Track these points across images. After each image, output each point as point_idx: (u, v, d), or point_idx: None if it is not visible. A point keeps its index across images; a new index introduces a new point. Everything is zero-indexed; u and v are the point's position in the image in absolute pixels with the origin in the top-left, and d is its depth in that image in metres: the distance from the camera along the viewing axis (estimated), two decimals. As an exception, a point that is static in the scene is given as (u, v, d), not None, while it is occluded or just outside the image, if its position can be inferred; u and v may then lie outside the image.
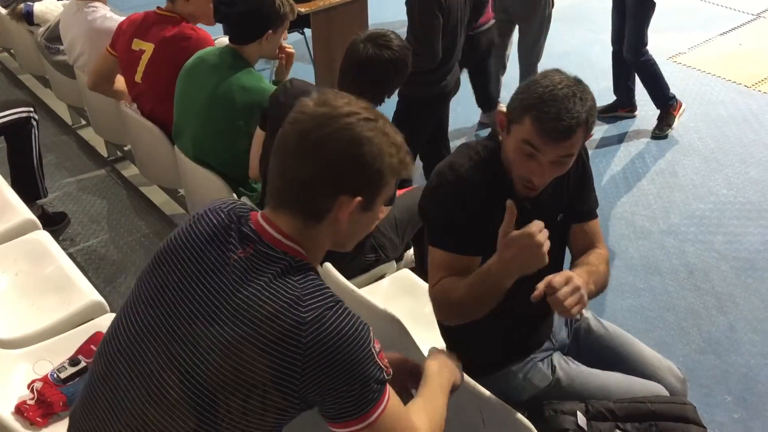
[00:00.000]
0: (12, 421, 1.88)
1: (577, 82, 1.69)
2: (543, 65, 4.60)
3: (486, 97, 4.54)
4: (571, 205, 1.94)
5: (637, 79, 4.67)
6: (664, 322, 3.20)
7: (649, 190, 4.14)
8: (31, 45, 4.43)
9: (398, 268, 2.79)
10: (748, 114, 4.87)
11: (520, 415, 1.81)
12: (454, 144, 4.07)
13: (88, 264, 3.26)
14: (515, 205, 1.70)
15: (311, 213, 1.28)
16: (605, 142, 4.62)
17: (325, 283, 1.28)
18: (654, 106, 4.66)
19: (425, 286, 2.35)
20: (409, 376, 1.57)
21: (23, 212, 2.66)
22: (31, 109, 3.27)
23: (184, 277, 1.27)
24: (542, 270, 1.61)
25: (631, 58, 4.43)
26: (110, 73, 3.33)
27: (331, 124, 1.25)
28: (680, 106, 4.64)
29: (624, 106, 4.79)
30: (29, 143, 3.29)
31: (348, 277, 2.34)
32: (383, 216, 1.40)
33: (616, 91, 4.78)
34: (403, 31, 3.10)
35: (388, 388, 1.28)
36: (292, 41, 3.15)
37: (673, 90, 4.66)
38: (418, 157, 3.70)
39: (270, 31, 2.77)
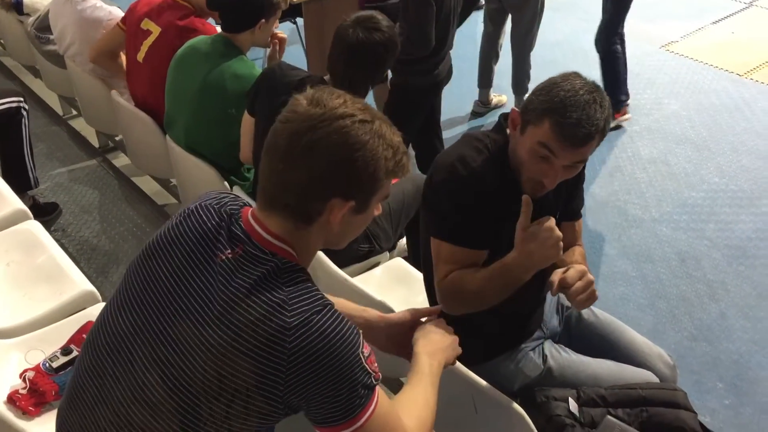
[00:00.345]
0: (4, 411, 1.88)
1: (597, 88, 1.68)
2: (536, 54, 4.60)
3: None
4: (565, 204, 1.96)
5: (631, 69, 4.67)
6: (656, 310, 3.22)
7: (641, 179, 4.15)
8: (21, 35, 4.40)
9: (391, 257, 2.79)
10: (741, 102, 4.88)
11: (512, 402, 1.82)
12: (446, 133, 4.07)
13: (79, 254, 3.25)
14: (518, 199, 1.71)
15: (302, 215, 1.24)
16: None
17: (314, 286, 1.25)
18: (647, 94, 4.66)
19: (418, 274, 2.37)
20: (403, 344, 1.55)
21: (14, 202, 2.65)
22: (21, 99, 3.25)
23: (172, 275, 1.25)
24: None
25: (601, 44, 4.41)
26: (117, 48, 3.34)
27: (324, 127, 1.20)
28: (625, 113, 4.58)
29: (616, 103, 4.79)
30: (19, 133, 3.27)
31: (341, 266, 2.34)
32: (378, 213, 1.36)
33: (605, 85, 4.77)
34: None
35: (377, 391, 1.25)
36: (283, 31, 3.12)
37: (665, 78, 4.67)
38: (410, 147, 3.70)
39: (263, 21, 2.76)
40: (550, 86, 1.67)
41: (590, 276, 1.65)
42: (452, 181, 1.77)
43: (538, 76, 4.58)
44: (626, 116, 4.60)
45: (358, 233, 1.38)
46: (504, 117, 1.84)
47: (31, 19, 4.07)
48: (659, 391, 1.87)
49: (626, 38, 4.50)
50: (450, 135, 4.41)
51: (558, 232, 1.60)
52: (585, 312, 2.14)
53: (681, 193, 4.01)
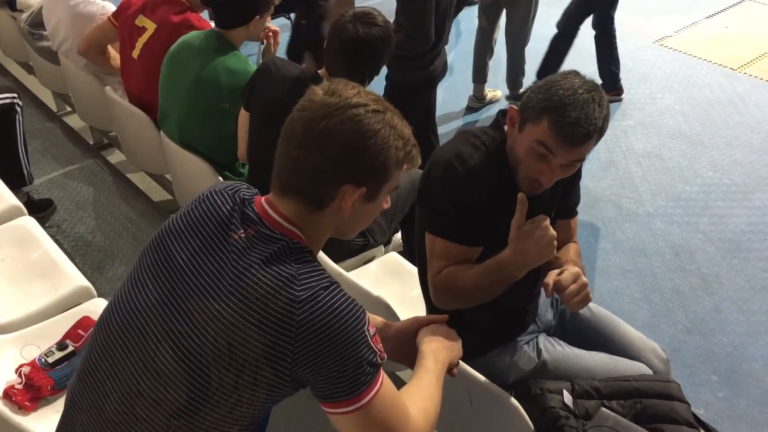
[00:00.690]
0: (0, 406, 1.88)
1: (596, 86, 1.68)
2: (530, 49, 4.61)
3: None
4: (561, 202, 1.96)
5: (624, 64, 4.70)
6: (651, 304, 3.23)
7: (635, 173, 4.16)
8: (14, 31, 4.38)
9: (386, 252, 2.80)
10: (734, 97, 4.90)
11: (507, 395, 1.82)
12: (441, 128, 4.08)
13: (75, 250, 3.24)
14: (513, 197, 1.71)
15: (314, 200, 1.29)
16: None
17: (321, 266, 1.28)
18: (641, 89, 4.68)
19: (413, 269, 2.37)
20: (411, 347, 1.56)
21: (8, 198, 2.64)
22: (15, 95, 3.24)
23: (186, 255, 1.29)
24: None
25: (562, 23, 4.51)
26: (105, 41, 3.32)
27: (338, 115, 1.25)
28: (620, 92, 4.71)
29: (609, 89, 4.80)
30: (14, 130, 3.26)
31: (336, 261, 2.35)
32: (387, 206, 1.40)
33: (601, 75, 4.78)
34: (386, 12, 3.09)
35: (382, 372, 1.28)
36: (277, 26, 3.12)
37: (659, 73, 4.68)
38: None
39: (257, 17, 2.76)
40: (549, 84, 1.67)
41: (584, 279, 1.66)
42: (449, 178, 1.77)
43: (532, 72, 4.63)
44: (620, 97, 4.70)
45: (367, 223, 1.43)
46: (502, 114, 1.84)
47: (24, 15, 4.06)
48: (653, 383, 1.87)
49: (620, 33, 4.53)
50: (445, 130, 4.42)
51: (552, 231, 1.61)
52: (579, 306, 2.15)
53: (675, 187, 4.03)
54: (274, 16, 3.64)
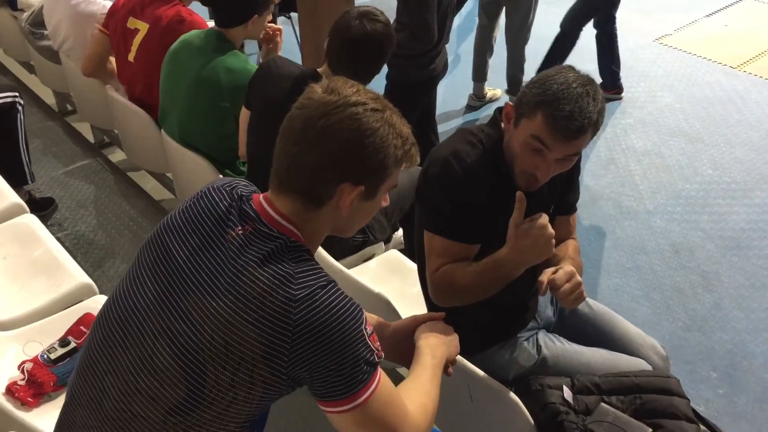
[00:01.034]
0: (3, 402, 1.89)
1: (590, 81, 1.69)
2: (530, 48, 4.62)
3: None
4: (560, 198, 1.97)
5: (624, 62, 4.71)
6: (651, 301, 3.24)
7: (635, 171, 4.17)
8: (15, 30, 4.39)
9: (387, 250, 2.80)
10: (734, 95, 4.91)
11: (507, 391, 1.83)
12: (441, 127, 4.09)
13: (76, 248, 3.25)
14: (512, 194, 1.72)
15: (312, 198, 1.29)
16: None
17: (319, 265, 1.29)
18: (641, 87, 4.69)
19: (413, 266, 2.38)
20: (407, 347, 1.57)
21: (10, 196, 2.65)
22: (17, 94, 3.25)
23: (183, 252, 1.29)
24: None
25: (568, 25, 4.52)
26: (106, 54, 3.32)
27: (337, 113, 1.25)
28: (620, 91, 4.71)
29: (610, 88, 4.82)
30: (15, 129, 3.27)
31: (336, 258, 2.35)
32: (386, 204, 1.40)
33: (601, 74, 4.79)
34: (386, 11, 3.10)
35: (380, 370, 1.29)
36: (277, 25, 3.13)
37: (659, 71, 4.68)
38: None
39: (255, 15, 2.77)
40: (543, 79, 1.68)
41: (578, 278, 1.67)
42: (446, 176, 1.78)
43: (532, 70, 4.64)
44: (620, 95, 4.71)
45: (366, 221, 1.43)
46: (499, 111, 1.85)
47: (25, 15, 4.07)
48: (652, 379, 1.88)
49: (620, 31, 4.53)
50: (445, 129, 4.43)
51: (550, 230, 1.61)
52: (579, 303, 2.16)
53: (675, 185, 4.03)
54: (274, 16, 3.64)
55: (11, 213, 2.58)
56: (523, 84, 4.70)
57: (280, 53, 3.00)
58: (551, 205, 1.93)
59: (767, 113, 4.70)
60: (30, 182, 3.40)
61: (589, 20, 4.45)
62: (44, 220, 3.26)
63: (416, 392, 1.40)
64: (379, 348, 1.28)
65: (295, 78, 2.42)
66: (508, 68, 4.71)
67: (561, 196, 1.97)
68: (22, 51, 4.49)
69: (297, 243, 1.28)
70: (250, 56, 3.91)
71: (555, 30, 4.47)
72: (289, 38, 4.70)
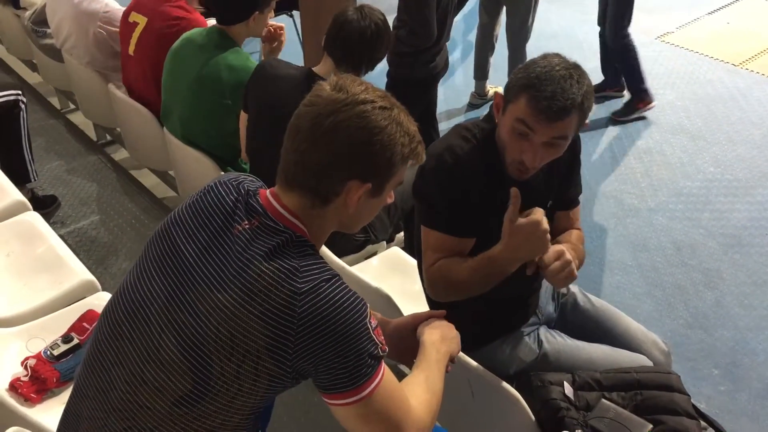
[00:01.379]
0: (6, 398, 1.90)
1: (576, 66, 1.70)
2: (531, 46, 4.61)
3: None
4: (560, 192, 1.97)
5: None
6: (652, 298, 3.24)
7: (637, 169, 4.17)
8: (18, 29, 4.40)
9: (389, 248, 2.81)
10: (736, 92, 4.90)
11: (508, 386, 1.84)
12: (443, 125, 4.09)
13: (79, 246, 3.26)
14: (507, 188, 1.72)
15: (319, 195, 1.30)
16: (594, 122, 4.63)
17: (323, 259, 1.30)
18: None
19: (415, 263, 2.38)
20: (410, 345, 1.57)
21: (13, 194, 2.66)
22: (19, 92, 3.26)
23: (190, 245, 1.30)
24: None
25: (611, 39, 4.44)
26: None
27: (346, 111, 1.26)
28: (649, 102, 4.59)
29: (612, 86, 4.81)
30: (18, 126, 3.28)
31: (338, 256, 2.36)
32: (391, 200, 1.41)
33: (604, 71, 4.79)
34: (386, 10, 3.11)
35: (383, 365, 1.29)
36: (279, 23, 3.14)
37: (661, 69, 4.67)
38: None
39: (257, 13, 2.77)
40: (527, 65, 1.71)
41: (567, 256, 1.66)
42: (439, 170, 1.79)
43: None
44: (650, 105, 4.61)
45: (371, 217, 1.44)
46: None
47: (27, 13, 4.08)
48: (653, 375, 1.88)
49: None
50: (447, 127, 4.43)
51: (545, 226, 1.61)
52: (581, 299, 2.16)
53: (677, 183, 4.03)
54: (275, 14, 3.64)
55: (14, 210, 2.59)
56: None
57: (281, 50, 3.01)
58: (548, 199, 1.94)
59: (769, 111, 4.70)
60: (33, 180, 3.41)
61: (624, 21, 4.39)
62: (47, 217, 3.26)
63: (420, 388, 1.40)
64: (383, 342, 1.29)
65: (290, 79, 2.44)
66: (509, 66, 4.71)
67: (561, 192, 1.98)
68: (25, 49, 4.50)
69: (302, 238, 1.29)
70: (252, 54, 3.91)
71: (556, 27, 4.47)
72: (290, 36, 4.71)
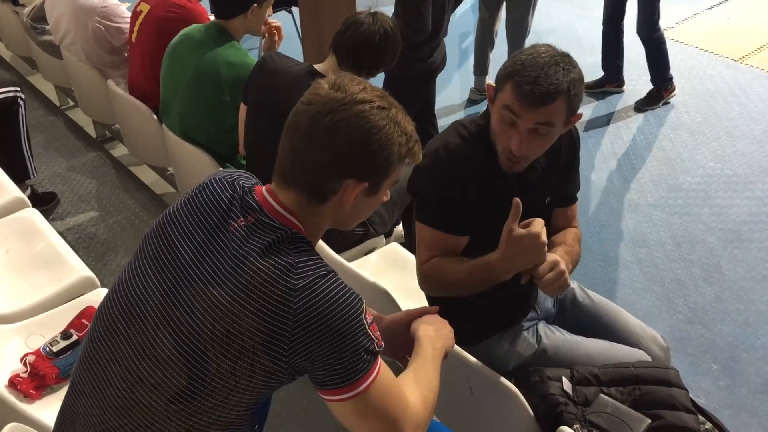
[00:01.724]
0: (6, 394, 1.90)
1: (565, 55, 1.70)
2: (531, 41, 4.59)
3: None
4: (558, 189, 1.97)
5: (626, 56, 4.69)
6: (652, 293, 3.24)
7: (636, 164, 4.17)
8: (17, 25, 4.41)
9: (387, 243, 2.81)
10: (735, 87, 4.90)
11: (506, 382, 1.84)
12: (442, 121, 4.09)
13: (78, 242, 3.27)
14: (503, 185, 1.73)
15: (317, 193, 1.30)
16: (594, 117, 4.64)
17: (319, 256, 1.30)
18: (643, 81, 4.67)
19: (413, 259, 2.38)
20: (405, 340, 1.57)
21: (12, 191, 2.66)
22: (18, 89, 3.26)
23: (186, 242, 1.30)
24: None
25: (645, 33, 4.45)
26: None
27: (344, 110, 1.27)
28: (673, 90, 4.70)
29: (612, 81, 4.82)
30: (17, 123, 3.28)
31: (336, 251, 2.36)
32: (387, 199, 1.42)
33: (604, 67, 4.79)
34: (386, 9, 3.11)
35: (380, 360, 1.29)
36: (279, 20, 3.13)
37: (661, 64, 4.64)
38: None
39: (255, 5, 2.76)
40: (516, 54, 1.72)
41: (561, 266, 1.67)
42: (434, 167, 1.80)
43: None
44: (674, 93, 4.71)
45: (367, 215, 1.44)
46: None
47: (26, 10, 4.08)
48: (652, 370, 1.88)
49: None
50: (446, 123, 4.36)
51: (543, 238, 1.61)
52: (579, 294, 2.16)
53: (676, 178, 4.03)
54: (274, 9, 3.64)
55: (13, 207, 2.60)
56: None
57: (278, 50, 3.00)
58: (546, 197, 1.94)
59: (769, 106, 4.70)
60: (32, 177, 3.42)
61: (656, 15, 4.41)
62: (46, 214, 3.27)
63: (416, 383, 1.40)
64: (379, 337, 1.29)
65: (290, 74, 2.44)
66: (509, 62, 4.70)
67: (559, 189, 1.98)
68: (24, 46, 4.50)
69: (298, 235, 1.29)
70: (251, 51, 3.91)
71: (556, 23, 4.47)
72: (290, 32, 4.70)
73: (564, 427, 1.72)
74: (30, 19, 4.02)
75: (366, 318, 1.26)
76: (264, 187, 1.35)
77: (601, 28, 4.66)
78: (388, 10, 3.00)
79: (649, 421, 1.75)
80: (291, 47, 4.88)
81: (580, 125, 4.44)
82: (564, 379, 1.85)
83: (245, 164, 2.86)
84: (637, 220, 3.71)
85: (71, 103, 4.47)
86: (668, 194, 3.90)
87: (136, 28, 3.16)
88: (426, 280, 1.87)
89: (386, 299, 2.15)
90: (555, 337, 2.01)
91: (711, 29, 5.67)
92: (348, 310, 1.23)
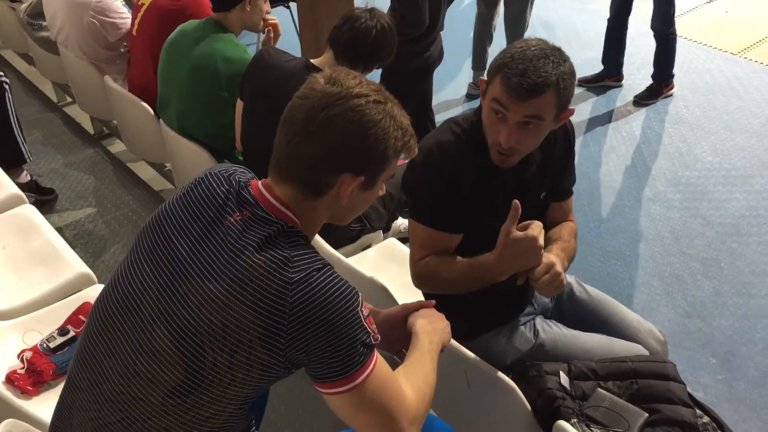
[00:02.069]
0: (3, 390, 1.90)
1: (556, 48, 1.69)
2: (529, 36, 4.59)
3: None
4: (554, 184, 1.97)
5: (630, 51, 4.69)
6: (650, 288, 3.24)
7: (635, 158, 4.16)
8: (14, 22, 4.40)
9: (385, 239, 2.81)
10: (734, 81, 4.89)
11: (504, 376, 1.84)
12: (440, 116, 4.08)
13: (76, 239, 3.26)
14: (497, 182, 1.72)
15: (313, 188, 1.30)
16: (592, 112, 4.63)
17: (315, 249, 1.30)
18: (642, 75, 4.67)
19: (411, 253, 2.39)
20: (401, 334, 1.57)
21: (9, 187, 2.66)
22: (2, 73, 3.26)
23: (181, 237, 1.30)
24: None
25: (661, 28, 4.44)
26: None
27: (340, 105, 1.27)
28: (672, 87, 4.71)
29: (611, 75, 4.81)
30: (4, 107, 3.26)
31: (334, 247, 2.36)
32: (382, 193, 1.42)
33: (605, 61, 4.78)
34: (382, 4, 3.10)
35: (376, 353, 1.29)
36: (276, 16, 3.13)
37: (660, 58, 4.62)
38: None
39: None
40: (506, 48, 1.72)
41: (557, 268, 1.67)
42: (427, 164, 1.80)
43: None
44: (673, 89, 4.74)
45: (363, 209, 1.45)
46: None
47: (23, 6, 4.07)
48: (649, 364, 1.88)
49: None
50: (444, 118, 4.37)
51: (541, 242, 1.61)
52: (577, 289, 2.16)
53: (675, 173, 4.03)
54: (272, 5, 3.62)
55: (11, 203, 2.60)
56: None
57: (276, 45, 3.00)
58: (542, 191, 1.94)
59: (768, 100, 4.69)
60: (28, 160, 3.40)
61: (671, 10, 4.41)
62: (44, 210, 3.27)
63: (414, 377, 1.40)
64: (376, 331, 1.29)
65: (287, 68, 2.44)
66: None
67: (555, 184, 1.98)
68: (21, 42, 4.50)
69: (294, 228, 1.29)
70: (249, 46, 3.90)
71: (554, 17, 4.45)
72: (288, 27, 4.70)
73: (561, 422, 1.71)
74: (27, 15, 4.01)
75: (362, 311, 1.26)
76: (260, 182, 1.35)
77: (599, 22, 4.65)
78: (384, 5, 2.99)
79: (647, 415, 1.75)
80: (289, 43, 4.88)
81: (577, 119, 4.44)
82: (561, 373, 1.85)
83: (242, 159, 2.85)
84: (636, 215, 3.71)
85: (69, 99, 4.47)
86: (667, 188, 3.90)
87: (137, 20, 3.16)
88: (419, 279, 1.88)
89: (384, 294, 2.15)
90: (552, 331, 2.01)
91: (710, 23, 5.66)
92: (344, 303, 1.23)
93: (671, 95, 4.72)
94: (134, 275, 1.33)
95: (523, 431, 1.84)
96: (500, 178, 1.80)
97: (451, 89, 4.83)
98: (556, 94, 1.65)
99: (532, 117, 1.67)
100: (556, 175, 1.95)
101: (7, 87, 3.24)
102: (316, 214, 1.35)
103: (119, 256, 3.15)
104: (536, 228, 1.62)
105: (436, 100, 3.85)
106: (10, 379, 1.94)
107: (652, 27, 4.46)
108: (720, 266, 3.34)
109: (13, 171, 3.25)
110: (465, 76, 4.89)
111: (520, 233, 1.60)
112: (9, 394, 1.90)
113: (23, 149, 3.35)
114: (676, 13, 4.42)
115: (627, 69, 4.85)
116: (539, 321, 2.03)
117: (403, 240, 2.81)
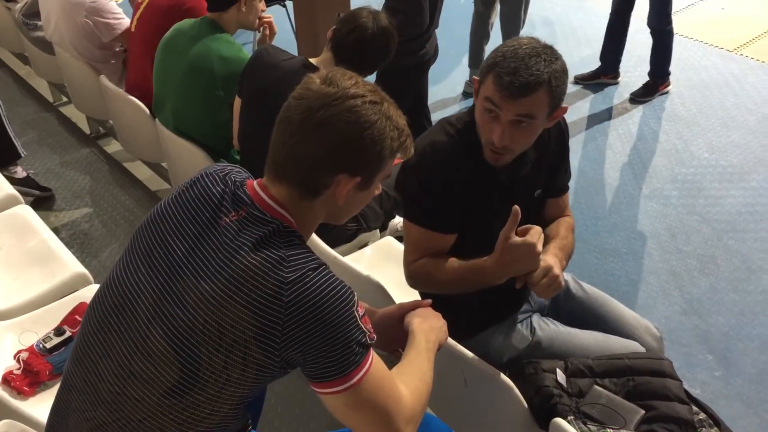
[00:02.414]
0: (-1, 391, 1.90)
1: (548, 47, 1.69)
2: (526, 33, 4.60)
3: None
4: (549, 180, 1.97)
5: (627, 48, 4.69)
6: (647, 285, 3.24)
7: (631, 155, 4.17)
8: (9, 22, 4.39)
9: (382, 237, 2.81)
10: (730, 78, 4.90)
11: (500, 374, 1.84)
12: (437, 115, 4.09)
13: (72, 238, 3.26)
14: (492, 181, 1.72)
15: (309, 188, 1.30)
16: (589, 109, 4.63)
17: (311, 249, 1.30)
18: (638, 72, 4.67)
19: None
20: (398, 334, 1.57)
21: (5, 187, 2.66)
22: None
23: (177, 237, 1.30)
24: None
25: (657, 24, 4.44)
26: None
27: (336, 105, 1.27)
28: (669, 85, 4.72)
29: (608, 72, 4.81)
30: None
31: (331, 246, 2.36)
32: (378, 192, 1.42)
33: (602, 58, 4.78)
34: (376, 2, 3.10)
35: (372, 353, 1.30)
36: (273, 14, 3.12)
37: (655, 55, 4.62)
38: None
39: None
40: (499, 46, 1.72)
41: (555, 271, 1.68)
42: (421, 165, 1.80)
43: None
44: (669, 87, 4.75)
45: (359, 209, 1.45)
46: None
47: (18, 6, 4.06)
48: (645, 361, 1.88)
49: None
50: (441, 116, 4.40)
51: (539, 248, 1.62)
52: (573, 286, 2.16)
53: (671, 169, 4.03)
54: (268, 4, 3.62)
55: (6, 204, 2.59)
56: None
57: (272, 43, 2.99)
58: (537, 188, 1.94)
59: (764, 96, 4.69)
60: (22, 155, 3.39)
61: (669, 7, 4.41)
62: (40, 210, 3.26)
63: (410, 376, 1.40)
64: (371, 330, 1.29)
65: (285, 67, 2.43)
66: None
67: (550, 181, 1.98)
68: (16, 42, 4.49)
69: (290, 228, 1.29)
70: (245, 45, 3.90)
71: (551, 15, 4.45)
72: (284, 26, 4.69)
73: (558, 419, 1.72)
74: (22, 15, 4.00)
75: (358, 311, 1.26)
76: (255, 181, 1.35)
77: (595, 19, 4.66)
78: (378, 2, 2.98)
79: (643, 411, 1.76)
80: (286, 41, 4.88)
81: (574, 116, 4.45)
82: (558, 371, 1.85)
83: (239, 158, 2.85)
84: (632, 212, 3.71)
85: (64, 99, 4.46)
86: (663, 185, 3.90)
87: (136, 18, 3.15)
88: (414, 279, 1.88)
89: (380, 292, 2.14)
90: (549, 329, 2.01)
91: (706, 20, 5.67)
92: (339, 302, 1.23)
93: (668, 92, 4.73)
94: (130, 275, 1.32)
95: (520, 429, 1.84)
96: (494, 177, 1.80)
97: (448, 87, 4.83)
98: (549, 92, 1.65)
99: (525, 115, 1.67)
100: (550, 172, 1.95)
101: None
102: (312, 214, 1.35)
103: (115, 256, 3.14)
104: (535, 234, 1.62)
105: (432, 99, 3.85)
106: (7, 380, 1.94)
107: (649, 24, 4.47)
108: (716, 263, 3.35)
109: (7, 168, 3.25)
110: (461, 74, 4.89)
111: (518, 239, 1.61)
112: (5, 395, 1.89)
113: (16, 144, 3.33)
114: (673, 10, 4.42)
115: (623, 66, 4.86)
116: (536, 319, 2.03)
117: (400, 238, 2.81)
